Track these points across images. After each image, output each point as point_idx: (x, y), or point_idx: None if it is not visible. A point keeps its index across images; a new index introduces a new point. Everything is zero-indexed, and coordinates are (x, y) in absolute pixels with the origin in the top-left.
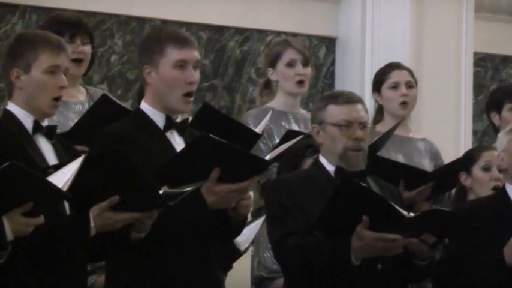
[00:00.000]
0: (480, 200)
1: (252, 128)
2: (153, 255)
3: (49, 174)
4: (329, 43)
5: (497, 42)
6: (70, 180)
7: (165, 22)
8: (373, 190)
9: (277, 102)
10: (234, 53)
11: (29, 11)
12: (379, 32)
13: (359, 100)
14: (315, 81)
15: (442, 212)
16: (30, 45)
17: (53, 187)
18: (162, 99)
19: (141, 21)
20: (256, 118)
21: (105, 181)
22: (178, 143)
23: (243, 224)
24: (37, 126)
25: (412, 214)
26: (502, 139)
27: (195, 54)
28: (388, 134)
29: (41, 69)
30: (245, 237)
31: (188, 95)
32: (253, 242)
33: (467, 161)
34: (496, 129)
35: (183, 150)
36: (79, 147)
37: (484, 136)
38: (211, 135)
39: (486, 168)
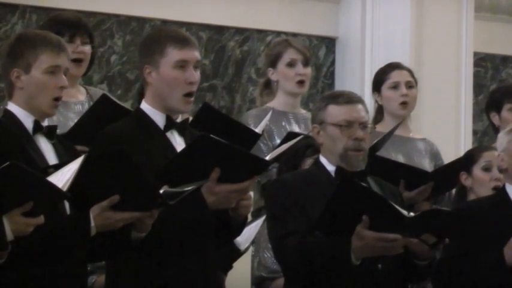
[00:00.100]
0: (480, 200)
1: (252, 128)
2: (153, 255)
3: (49, 174)
4: (329, 43)
5: (497, 42)
6: (70, 180)
7: (165, 22)
8: (373, 190)
9: (278, 102)
10: (234, 53)
11: (29, 11)
12: (379, 32)
13: (359, 100)
14: (315, 81)
15: (442, 212)
16: (31, 45)
17: (53, 187)
18: (163, 99)
19: (141, 21)
20: (256, 118)
21: (106, 181)
22: (178, 143)
23: (243, 224)
24: (37, 126)
25: (412, 214)
26: (502, 139)
27: (196, 54)
28: (388, 136)
29: (41, 69)
30: (245, 237)
31: (188, 95)
32: (253, 242)
33: (467, 161)
34: (496, 129)
35: (183, 150)
36: (79, 147)
37: (484, 136)
38: (211, 136)
39: (486, 169)
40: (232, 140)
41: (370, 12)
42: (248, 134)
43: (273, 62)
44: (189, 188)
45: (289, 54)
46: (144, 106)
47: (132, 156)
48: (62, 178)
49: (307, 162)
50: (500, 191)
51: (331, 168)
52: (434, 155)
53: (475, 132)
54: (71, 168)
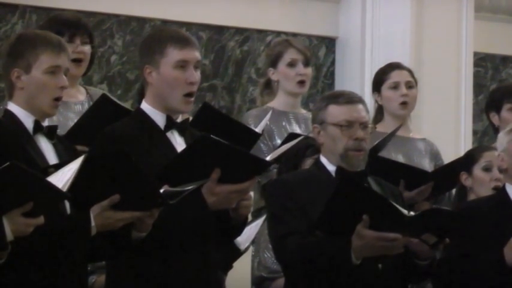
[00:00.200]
0: (480, 200)
1: (253, 128)
2: (153, 255)
3: (49, 173)
4: (329, 43)
5: (497, 42)
6: (70, 181)
7: (165, 22)
8: (373, 189)
9: (278, 102)
10: (234, 53)
11: (29, 11)
12: (379, 32)
13: (360, 100)
14: (315, 81)
15: (442, 211)
16: (31, 46)
17: (53, 187)
18: (163, 99)
19: (141, 21)
20: (256, 118)
21: (106, 180)
22: (178, 143)
23: (243, 224)
24: (38, 126)
25: (412, 213)
26: (502, 139)
27: (196, 54)
28: (389, 137)
29: (42, 70)
30: (245, 237)
31: (189, 95)
32: (253, 242)
33: (467, 161)
34: (496, 129)
35: (184, 150)
36: (79, 147)
37: (484, 136)
38: (212, 136)
39: (487, 169)
40: (232, 140)
41: (370, 12)
42: (248, 134)
43: (273, 62)
44: (190, 188)
45: (290, 54)
46: (145, 106)
47: (132, 156)
48: (62, 178)
49: (307, 162)
50: (501, 191)
51: (331, 168)
52: (434, 155)
53: (475, 132)
54: (71, 169)
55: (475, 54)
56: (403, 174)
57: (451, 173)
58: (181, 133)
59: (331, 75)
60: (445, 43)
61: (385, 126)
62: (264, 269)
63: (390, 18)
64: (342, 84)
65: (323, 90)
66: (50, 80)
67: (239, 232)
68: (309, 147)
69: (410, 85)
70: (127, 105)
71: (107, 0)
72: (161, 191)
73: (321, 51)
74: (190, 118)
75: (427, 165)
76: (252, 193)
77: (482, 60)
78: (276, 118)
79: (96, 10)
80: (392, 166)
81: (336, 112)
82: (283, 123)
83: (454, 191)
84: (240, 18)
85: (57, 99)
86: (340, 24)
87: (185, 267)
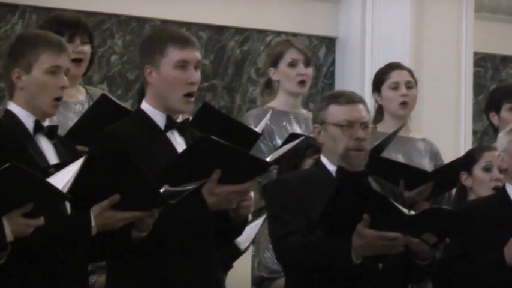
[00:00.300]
0: (480, 200)
1: (253, 128)
2: (153, 255)
3: (50, 173)
4: (329, 43)
5: (497, 42)
6: (70, 182)
7: (165, 22)
8: (373, 188)
9: (279, 102)
10: (234, 53)
11: (29, 11)
12: (379, 32)
13: (360, 100)
14: (315, 81)
15: (443, 211)
16: (31, 46)
17: (53, 188)
18: (163, 99)
19: (141, 21)
20: (257, 118)
21: (106, 180)
22: (179, 143)
23: (243, 224)
24: (38, 126)
25: (412, 212)
26: (502, 139)
27: (196, 54)
28: (390, 137)
29: (42, 70)
30: (245, 237)
31: (189, 95)
32: (253, 242)
33: (467, 161)
34: (495, 129)
35: (184, 151)
36: (79, 147)
37: (484, 136)
38: (212, 137)
39: (487, 169)
40: (232, 140)
41: (370, 12)
42: (248, 134)
43: (274, 62)
44: (190, 187)
45: (291, 54)
46: (145, 106)
47: (132, 156)
48: (62, 179)
49: (308, 162)
50: (501, 191)
51: (332, 168)
52: (434, 155)
53: (475, 132)
54: (71, 170)
55: (475, 54)
56: (403, 174)
57: (451, 173)
58: (182, 133)
59: (331, 75)
60: (445, 43)
61: (385, 126)
62: (264, 269)
63: (390, 18)
64: (342, 84)
65: (323, 90)
66: (50, 80)
67: (239, 232)
68: (309, 147)
69: (410, 85)
70: (127, 105)
71: (107, 0)
72: (161, 190)
73: (321, 51)
74: (191, 118)
75: (427, 165)
76: (252, 193)
77: (482, 60)
78: (277, 118)
79: (96, 10)
80: (393, 166)
81: (336, 112)
82: (284, 123)
83: (454, 191)
84: (240, 18)
85: (58, 99)
86: (340, 24)
87: (185, 267)
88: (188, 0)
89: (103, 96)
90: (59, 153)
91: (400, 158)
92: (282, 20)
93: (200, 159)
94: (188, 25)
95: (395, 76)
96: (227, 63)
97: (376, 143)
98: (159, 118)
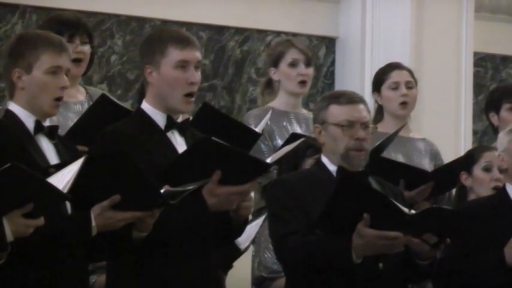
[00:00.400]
0: (480, 200)
1: (253, 128)
2: (154, 255)
3: (50, 174)
4: (329, 43)
5: (497, 42)
6: (70, 182)
7: (165, 22)
8: (373, 187)
9: (279, 102)
10: (234, 53)
11: (29, 11)
12: (379, 32)
13: (361, 100)
14: (315, 81)
15: (443, 210)
16: (32, 46)
17: (53, 189)
18: (163, 99)
19: (141, 21)
20: (257, 118)
21: (106, 181)
22: (179, 143)
23: (244, 224)
24: (39, 126)
25: (413, 211)
26: (502, 139)
27: (197, 54)
28: (391, 137)
29: (43, 70)
30: (245, 236)
31: (189, 95)
32: (253, 242)
33: (467, 161)
34: (495, 130)
35: (184, 152)
36: (79, 147)
37: (484, 136)
38: (213, 138)
39: (487, 169)
40: (232, 140)
41: (370, 12)
42: (248, 134)
43: (275, 62)
44: (191, 188)
45: (292, 54)
46: (145, 106)
47: (132, 156)
48: (62, 179)
49: (308, 163)
50: (501, 191)
51: (332, 168)
52: (434, 155)
53: (475, 132)
54: (71, 170)
55: (475, 54)
56: (403, 174)
57: (451, 173)
58: (182, 133)
59: (331, 75)
60: (445, 43)
61: (385, 126)
62: (265, 269)
63: (390, 18)
64: (342, 84)
65: (323, 90)
66: (51, 80)
67: (240, 233)
68: (309, 147)
69: (410, 85)
70: (127, 105)
71: (107, 0)
72: (162, 191)
73: (321, 51)
74: (191, 118)
75: (427, 165)
76: (252, 194)
77: (482, 60)
78: (277, 118)
79: (96, 10)
80: (393, 166)
81: (337, 112)
82: (284, 123)
83: (454, 191)
84: (240, 18)
85: (58, 99)
86: (340, 24)
87: (185, 267)
88: (188, 0)
89: (103, 96)
90: (59, 153)
91: (400, 158)
92: (282, 20)
93: (201, 160)
94: (188, 25)
95: (395, 76)
96: (227, 63)
97: (377, 144)
98: (159, 118)
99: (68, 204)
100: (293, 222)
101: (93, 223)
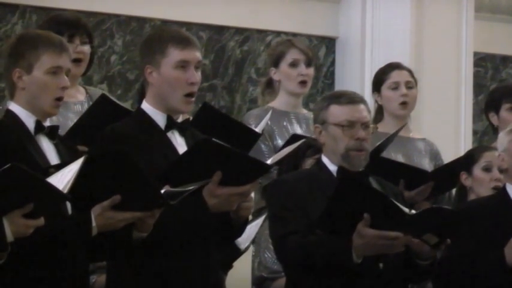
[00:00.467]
0: (480, 200)
1: (253, 128)
2: (154, 255)
3: (50, 174)
4: (329, 43)
5: (497, 42)
6: (71, 182)
7: (165, 22)
8: (374, 187)
9: (279, 102)
10: (234, 53)
11: (29, 11)
12: (379, 32)
13: (361, 100)
14: (315, 81)
15: (443, 210)
16: (32, 46)
17: (53, 189)
18: (164, 99)
19: (141, 21)
20: (257, 118)
21: (107, 181)
22: (179, 143)
23: (244, 225)
24: (39, 127)
25: (413, 211)
26: (502, 139)
27: (197, 54)
28: (391, 138)
29: (43, 70)
30: (245, 236)
31: (189, 95)
32: (253, 242)
33: (467, 161)
34: (495, 129)
35: (185, 153)
36: (79, 147)
37: (484, 136)
38: (213, 139)
39: (487, 169)
40: (232, 140)
41: (370, 12)
42: (248, 134)
43: (275, 62)
44: (191, 188)
45: (292, 55)
46: (145, 106)
47: (133, 156)
48: (63, 179)
49: (308, 163)
50: (501, 191)
51: (333, 168)
52: (434, 155)
53: (475, 132)
54: (72, 170)
55: (475, 54)
56: (403, 174)
57: (451, 173)
58: (182, 133)
59: (331, 75)
60: (445, 43)
61: (385, 127)
62: (265, 269)
63: (390, 18)
64: (342, 84)
65: (323, 91)
66: (51, 80)
67: (240, 233)
68: (309, 147)
69: (410, 85)
70: (127, 105)
71: (107, 0)
72: (162, 191)
73: (321, 51)
74: (191, 118)
75: (427, 165)
76: (252, 194)
77: (482, 60)
78: (277, 118)
79: (96, 10)
80: (393, 166)
81: (337, 112)
82: (284, 123)
83: (454, 191)
84: (240, 18)
85: (59, 99)
86: (340, 24)
87: (186, 267)
88: (188, 0)
89: (103, 96)
90: (60, 153)
91: (400, 158)
92: (282, 20)
93: (201, 161)
94: (188, 25)
95: (395, 76)
96: (227, 63)
97: (377, 144)
98: (160, 118)
99: (68, 205)
100: (293, 222)
101: (94, 223)
